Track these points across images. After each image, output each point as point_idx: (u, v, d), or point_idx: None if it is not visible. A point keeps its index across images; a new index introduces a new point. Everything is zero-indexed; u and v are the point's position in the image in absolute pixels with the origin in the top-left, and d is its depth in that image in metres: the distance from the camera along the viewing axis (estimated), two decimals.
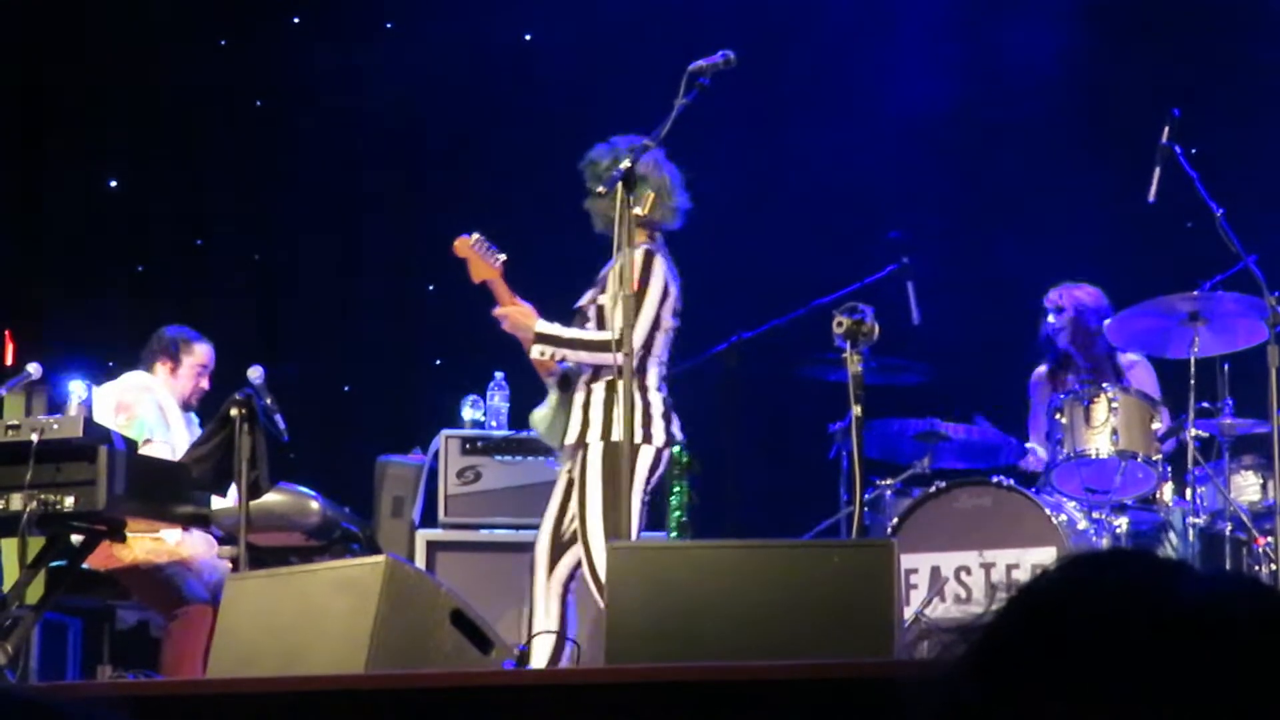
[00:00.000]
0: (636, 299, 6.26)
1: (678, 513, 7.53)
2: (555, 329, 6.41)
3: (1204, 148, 7.36)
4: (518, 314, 6.45)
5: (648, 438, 6.30)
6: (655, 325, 6.39)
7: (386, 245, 10.31)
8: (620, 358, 5.93)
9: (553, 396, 6.53)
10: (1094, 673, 1.05)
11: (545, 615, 6.35)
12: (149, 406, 7.46)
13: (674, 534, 7.48)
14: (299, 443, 7.40)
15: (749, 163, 9.75)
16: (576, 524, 6.31)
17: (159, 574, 7.17)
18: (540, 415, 6.58)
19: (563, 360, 6.46)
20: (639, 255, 6.34)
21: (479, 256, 6.49)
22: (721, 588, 4.75)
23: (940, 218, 9.24)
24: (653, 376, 6.42)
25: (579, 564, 6.37)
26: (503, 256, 6.49)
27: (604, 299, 6.39)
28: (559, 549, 6.40)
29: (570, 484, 6.43)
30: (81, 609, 7.75)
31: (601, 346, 6.30)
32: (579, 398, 6.42)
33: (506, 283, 6.48)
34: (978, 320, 8.87)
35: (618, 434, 6.15)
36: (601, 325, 6.38)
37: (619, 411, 6.15)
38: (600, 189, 6.12)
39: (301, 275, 10.25)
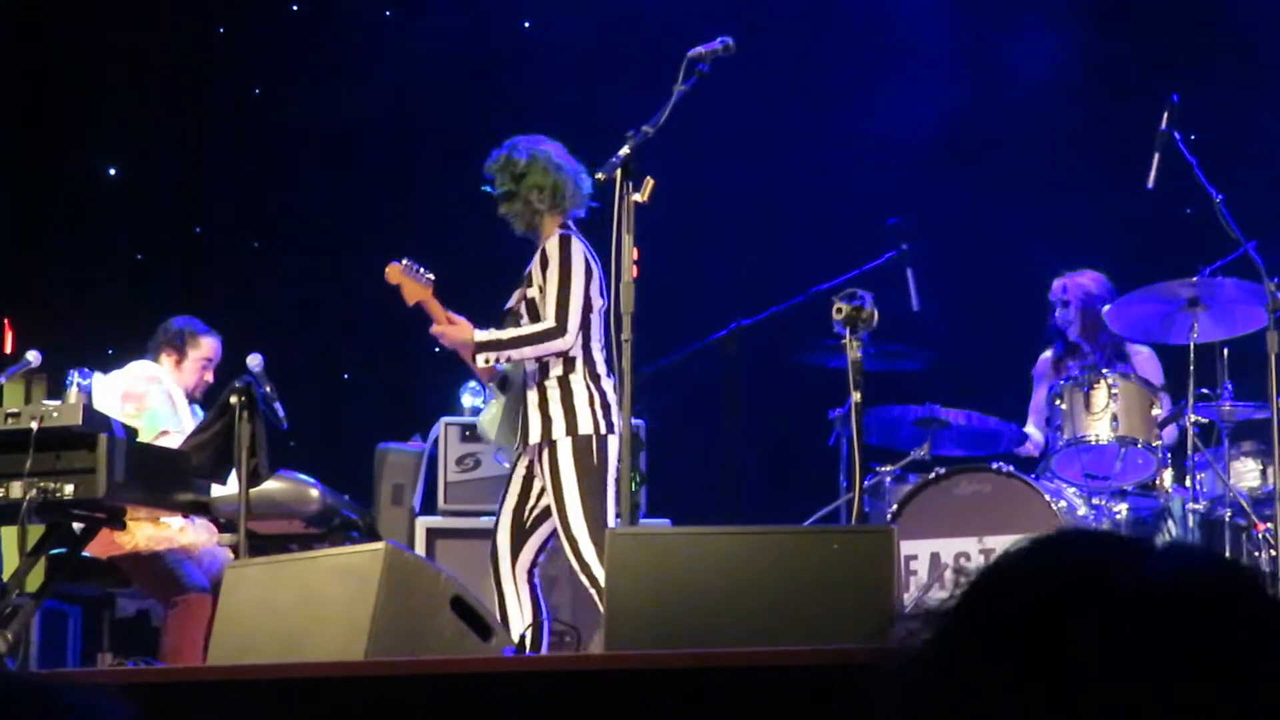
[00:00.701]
0: (562, 282, 6.41)
1: (633, 491, 7.55)
2: (493, 334, 6.50)
3: (1203, 133, 7.35)
4: (454, 331, 6.55)
5: (610, 427, 6.40)
6: (588, 306, 6.46)
7: (385, 233, 10.30)
8: (559, 343, 6.34)
9: (496, 399, 6.59)
10: (1045, 656, 1.05)
11: (517, 604, 6.41)
12: (159, 397, 7.46)
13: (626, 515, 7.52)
14: (299, 430, 7.39)
15: (749, 149, 9.74)
16: (555, 521, 6.37)
17: (159, 561, 7.17)
18: (487, 418, 6.67)
19: (499, 362, 6.51)
20: (554, 242, 6.48)
21: (410, 279, 6.61)
22: (721, 574, 4.75)
23: (940, 204, 9.23)
24: (599, 363, 6.49)
25: (540, 550, 6.50)
26: (431, 276, 6.62)
27: (531, 292, 6.47)
28: (520, 537, 6.49)
29: (529, 479, 6.48)
30: (81, 597, 7.75)
31: (543, 336, 6.41)
32: (532, 397, 6.47)
33: (440, 297, 6.62)
34: (977, 306, 8.87)
35: (585, 427, 6.36)
36: (535, 320, 6.44)
37: (580, 404, 6.33)
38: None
39: (300, 263, 10.24)
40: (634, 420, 6.46)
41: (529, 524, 6.49)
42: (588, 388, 6.43)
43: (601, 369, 6.50)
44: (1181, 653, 1.03)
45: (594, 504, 6.28)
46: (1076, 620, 1.06)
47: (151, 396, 7.44)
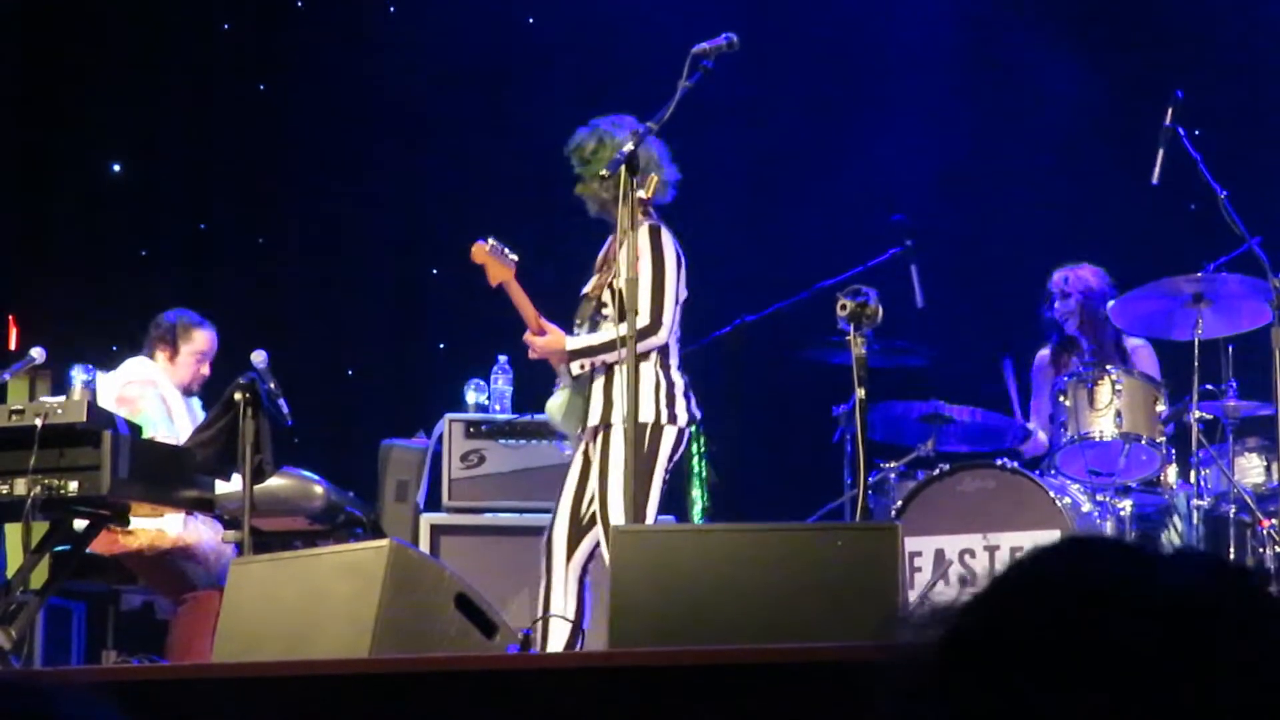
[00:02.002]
0: (656, 277, 6.28)
1: (701, 492, 7.55)
2: (585, 340, 6.40)
3: (1208, 129, 7.34)
4: (544, 342, 6.45)
5: (672, 418, 6.30)
6: (677, 300, 6.39)
7: (390, 229, 10.30)
8: (654, 340, 6.19)
9: (566, 384, 6.51)
10: (1049, 663, 1.05)
11: (565, 600, 6.32)
12: (152, 401, 7.44)
13: (699, 513, 7.51)
14: (303, 427, 7.40)
15: (752, 145, 9.74)
16: (596, 505, 6.29)
17: (164, 560, 7.18)
18: (555, 404, 6.55)
19: (593, 367, 6.43)
20: (645, 233, 6.33)
21: (495, 260, 6.49)
22: (725, 571, 4.74)
23: (944, 200, 9.23)
24: (674, 355, 6.43)
25: (597, 546, 6.35)
26: (515, 257, 6.49)
27: (618, 282, 6.31)
28: (578, 532, 6.37)
29: (588, 465, 6.41)
30: (86, 594, 7.75)
31: (638, 336, 6.25)
32: (598, 381, 6.40)
33: (518, 278, 6.48)
34: (982, 303, 8.87)
35: (645, 415, 6.21)
36: (621, 311, 6.33)
37: (645, 391, 6.22)
38: (604, 172, 6.10)
39: (305, 259, 10.24)
40: (697, 416, 6.43)
41: (585, 519, 6.38)
42: (656, 374, 6.31)
43: (674, 359, 6.41)
44: (1192, 660, 1.03)
45: (636, 492, 6.01)
46: (1088, 626, 1.05)
47: (144, 400, 7.42)
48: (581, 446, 6.45)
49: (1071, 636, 1.06)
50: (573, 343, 6.41)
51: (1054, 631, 1.06)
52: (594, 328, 6.46)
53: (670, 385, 6.34)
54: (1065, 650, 1.05)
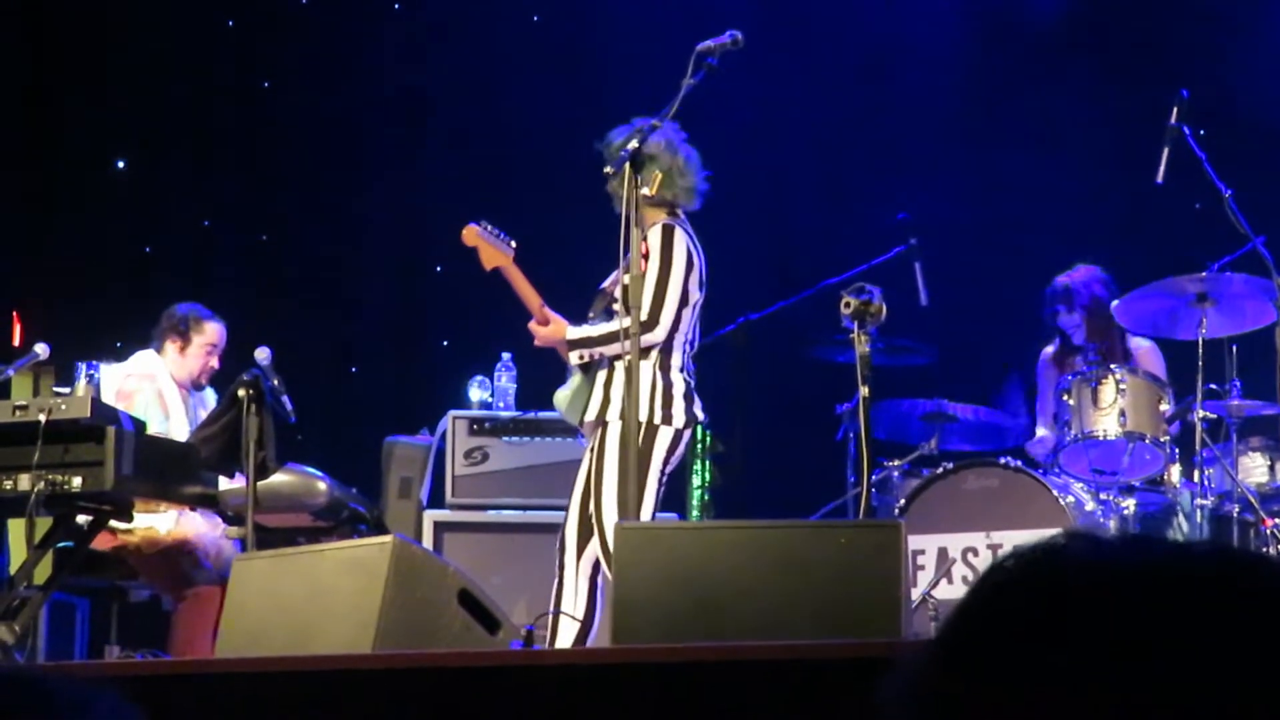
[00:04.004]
0: (661, 275, 6.28)
1: (700, 492, 7.54)
2: (585, 331, 6.40)
3: (1212, 128, 7.34)
4: (547, 331, 6.45)
5: (667, 418, 6.28)
6: (683, 301, 6.36)
7: (393, 226, 10.31)
8: (650, 337, 6.16)
9: (576, 376, 6.51)
10: (1051, 655, 1.05)
11: (575, 598, 6.31)
12: (148, 397, 7.44)
13: (695, 514, 7.50)
14: (306, 424, 7.40)
15: (756, 143, 9.74)
16: (592, 504, 6.30)
17: (162, 556, 7.19)
18: (563, 395, 6.55)
19: (595, 359, 6.43)
20: (657, 231, 6.33)
21: (488, 243, 6.48)
22: (728, 568, 4.74)
23: (948, 199, 9.22)
24: (678, 356, 6.39)
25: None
26: (514, 243, 6.48)
27: (628, 279, 6.32)
28: (588, 530, 6.33)
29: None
30: (89, 589, 7.76)
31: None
32: (601, 375, 6.39)
33: (520, 267, 6.47)
34: (986, 301, 8.86)
35: (640, 414, 6.18)
36: (627, 306, 6.34)
37: (641, 390, 6.20)
38: (607, 170, 6.11)
39: (308, 256, 10.25)
40: (700, 419, 6.40)
41: (595, 520, 6.37)
42: (654, 375, 6.29)
43: (676, 360, 6.37)
44: (1194, 647, 1.03)
45: (628, 493, 6.02)
46: (1083, 618, 1.05)
47: (140, 395, 7.41)
48: (588, 443, 6.45)
49: (1069, 627, 1.05)
50: (573, 332, 6.41)
51: (1050, 622, 1.06)
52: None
53: (668, 386, 6.32)
54: (1063, 642, 1.05)
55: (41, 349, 7.13)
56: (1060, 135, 9.45)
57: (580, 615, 6.26)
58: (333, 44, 10.19)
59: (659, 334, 6.29)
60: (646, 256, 6.27)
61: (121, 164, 10.41)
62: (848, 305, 6.25)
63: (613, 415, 6.30)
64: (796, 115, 9.77)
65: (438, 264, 10.01)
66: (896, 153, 9.34)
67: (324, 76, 10.17)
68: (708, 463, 7.54)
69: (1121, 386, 7.15)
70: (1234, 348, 7.07)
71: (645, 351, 6.28)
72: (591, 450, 6.38)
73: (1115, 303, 7.36)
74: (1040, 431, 7.83)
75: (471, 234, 6.49)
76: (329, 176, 10.22)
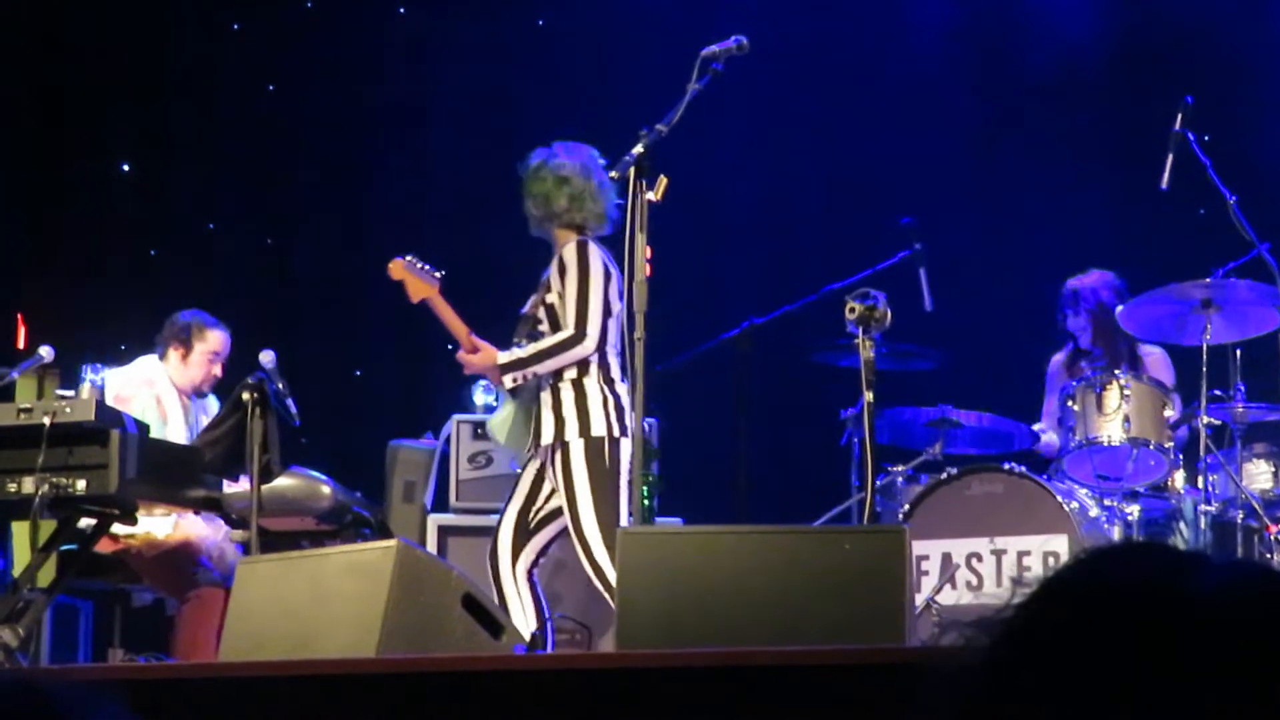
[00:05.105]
0: (581, 287, 6.39)
1: (645, 497, 7.54)
2: (515, 354, 6.50)
3: (1217, 134, 7.34)
4: (476, 359, 6.57)
5: (624, 430, 6.39)
6: (606, 312, 6.44)
7: (398, 229, 10.30)
8: (580, 349, 6.35)
9: (507, 403, 6.57)
10: (1108, 671, 1.04)
11: (519, 604, 6.39)
12: (145, 402, 7.43)
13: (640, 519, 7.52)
14: (310, 427, 7.40)
15: (762, 148, 9.74)
16: (568, 523, 6.36)
17: (164, 559, 7.18)
18: (498, 421, 6.64)
19: (527, 379, 6.51)
20: (571, 248, 6.45)
21: (414, 276, 6.58)
22: (732, 573, 4.75)
23: (953, 204, 9.22)
24: (614, 367, 6.49)
25: (541, 553, 6.51)
26: (439, 274, 6.56)
27: (551, 298, 6.44)
28: (523, 538, 6.48)
29: (540, 480, 6.49)
30: (93, 592, 7.76)
31: (564, 345, 6.42)
32: (546, 398, 6.47)
33: (454, 295, 6.58)
34: (990, 306, 8.86)
35: (598, 429, 6.36)
36: (555, 326, 6.43)
37: (594, 407, 6.33)
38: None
39: (313, 259, 10.25)
40: (646, 420, 6.46)
41: (533, 525, 6.49)
42: (601, 390, 6.42)
43: (615, 372, 6.49)
44: (1254, 667, 1.02)
45: (606, 506, 6.28)
46: (1143, 633, 1.04)
47: (136, 401, 7.40)
48: (536, 462, 6.48)
49: (1122, 641, 1.04)
50: (503, 357, 6.50)
51: (1102, 636, 1.05)
52: None
53: (616, 398, 6.45)
54: (1114, 656, 1.04)
55: (46, 352, 7.13)
56: (1065, 140, 9.45)
57: (533, 621, 6.34)
58: (338, 47, 10.20)
59: (589, 345, 6.40)
60: (562, 274, 6.36)
61: (126, 167, 10.42)
62: (852, 310, 6.25)
63: (572, 435, 6.38)
64: (801, 119, 9.77)
65: (442, 268, 9.99)
66: (901, 157, 9.33)
67: (329, 80, 10.17)
68: (649, 469, 7.53)
69: (1126, 392, 7.15)
70: (1238, 353, 7.06)
71: (584, 367, 6.39)
72: (542, 472, 6.44)
73: (1120, 308, 7.35)
74: (1047, 436, 7.82)
75: (398, 268, 6.60)
76: (334, 179, 10.22)
